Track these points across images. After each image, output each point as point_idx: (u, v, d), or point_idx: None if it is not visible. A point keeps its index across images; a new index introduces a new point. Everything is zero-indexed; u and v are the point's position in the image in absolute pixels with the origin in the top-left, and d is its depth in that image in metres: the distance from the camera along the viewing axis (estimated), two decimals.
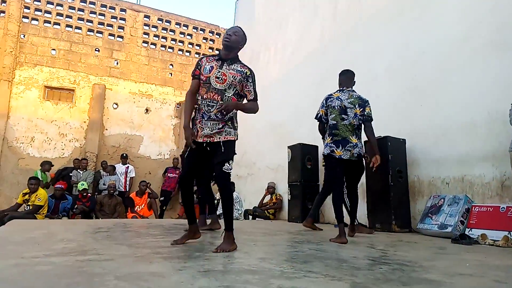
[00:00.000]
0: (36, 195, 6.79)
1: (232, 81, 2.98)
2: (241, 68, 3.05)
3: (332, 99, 4.20)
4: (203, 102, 2.98)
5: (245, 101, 3.18)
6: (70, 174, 9.15)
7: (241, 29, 3.16)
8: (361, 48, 6.71)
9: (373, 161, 4.03)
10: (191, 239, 3.18)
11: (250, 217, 8.11)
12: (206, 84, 3.00)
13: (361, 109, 4.10)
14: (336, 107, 4.11)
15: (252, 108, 3.11)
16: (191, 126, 3.05)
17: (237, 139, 3.04)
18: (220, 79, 2.97)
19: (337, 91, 4.28)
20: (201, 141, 2.96)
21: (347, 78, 4.33)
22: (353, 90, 4.26)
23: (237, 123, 3.09)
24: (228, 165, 2.88)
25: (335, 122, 4.08)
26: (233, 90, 3.01)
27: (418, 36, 5.54)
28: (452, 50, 4.97)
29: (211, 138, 2.93)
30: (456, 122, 4.78)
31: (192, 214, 3.18)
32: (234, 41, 3.06)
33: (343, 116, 4.07)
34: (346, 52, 7.12)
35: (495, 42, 4.44)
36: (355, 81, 4.36)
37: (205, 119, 2.95)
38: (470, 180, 4.56)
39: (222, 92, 2.96)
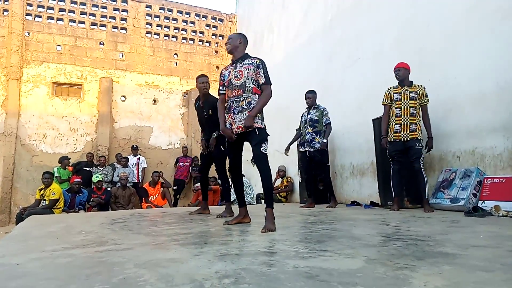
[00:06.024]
0: (50, 190, 6.92)
1: (248, 73, 3.44)
2: (251, 61, 3.50)
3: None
4: (231, 100, 3.48)
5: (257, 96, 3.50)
6: (85, 169, 9.24)
7: (233, 34, 3.70)
8: (367, 22, 6.61)
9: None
10: (240, 222, 3.59)
11: (262, 201, 8.16)
12: (229, 86, 3.52)
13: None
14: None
15: (265, 100, 3.44)
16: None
17: (264, 127, 3.41)
18: (237, 76, 3.47)
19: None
20: (235, 132, 3.40)
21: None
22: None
23: (262, 117, 3.47)
24: (264, 145, 3.32)
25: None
26: (251, 81, 3.43)
27: (425, 6, 5.42)
28: (460, 19, 4.85)
29: (242, 129, 3.35)
30: (465, 94, 4.70)
31: (241, 197, 3.66)
32: (230, 45, 3.59)
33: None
34: (351, 28, 7.03)
35: (504, 9, 4.30)
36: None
37: (235, 113, 3.42)
38: (481, 152, 4.52)
39: (243, 86, 3.42)
